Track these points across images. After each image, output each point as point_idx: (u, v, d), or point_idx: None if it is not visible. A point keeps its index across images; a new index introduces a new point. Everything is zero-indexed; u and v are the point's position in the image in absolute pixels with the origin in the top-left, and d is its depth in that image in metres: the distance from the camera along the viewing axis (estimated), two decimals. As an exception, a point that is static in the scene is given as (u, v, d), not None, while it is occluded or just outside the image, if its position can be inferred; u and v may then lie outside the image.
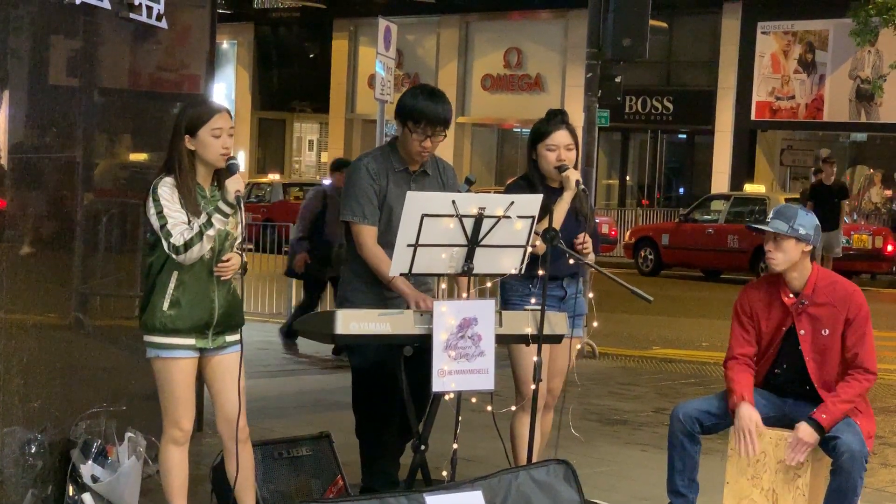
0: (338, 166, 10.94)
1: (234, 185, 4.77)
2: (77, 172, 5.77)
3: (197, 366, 4.95)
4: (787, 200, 20.01)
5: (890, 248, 21.04)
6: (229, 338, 4.98)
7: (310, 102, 36.23)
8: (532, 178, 5.74)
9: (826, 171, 19.02)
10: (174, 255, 4.75)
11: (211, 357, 4.96)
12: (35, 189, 5.42)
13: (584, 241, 5.63)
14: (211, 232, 4.72)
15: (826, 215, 16.93)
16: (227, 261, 4.87)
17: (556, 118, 5.73)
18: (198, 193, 4.83)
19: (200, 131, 4.80)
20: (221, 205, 4.74)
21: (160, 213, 4.74)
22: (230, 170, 4.81)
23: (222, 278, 4.87)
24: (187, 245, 4.71)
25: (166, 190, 4.77)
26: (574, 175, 5.61)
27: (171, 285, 4.81)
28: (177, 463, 4.96)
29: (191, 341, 4.87)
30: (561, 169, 5.62)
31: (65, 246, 5.68)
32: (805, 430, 5.20)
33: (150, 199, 4.77)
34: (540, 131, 5.71)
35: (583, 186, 5.64)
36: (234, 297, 5.00)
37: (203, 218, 4.73)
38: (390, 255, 5.13)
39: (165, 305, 4.82)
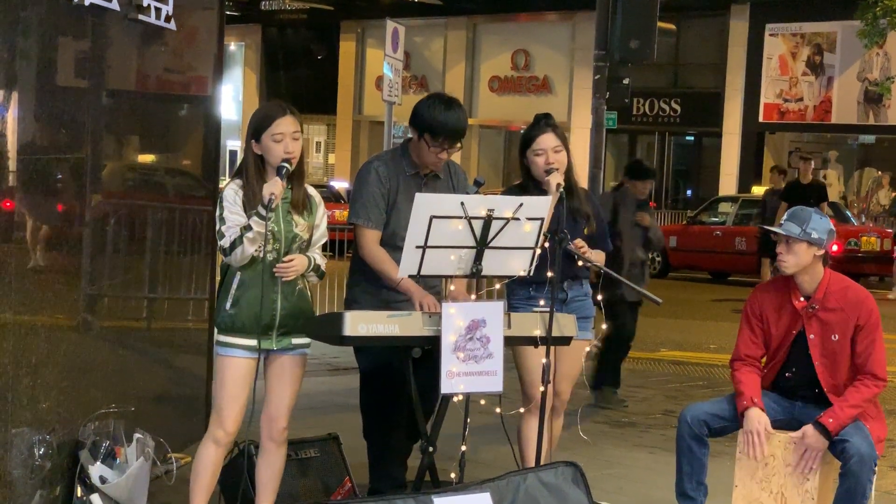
0: (637, 173, 9.33)
1: (269, 188, 4.80)
2: (85, 174, 5.77)
3: (255, 368, 4.96)
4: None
5: (899, 250, 20.98)
6: (295, 340, 5.01)
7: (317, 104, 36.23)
8: (526, 185, 5.73)
9: (802, 169, 17.02)
10: (224, 257, 4.86)
11: (276, 357, 5.01)
12: (43, 190, 5.42)
13: (582, 246, 5.60)
14: (250, 235, 4.77)
15: None
16: (290, 261, 4.88)
17: (541, 122, 5.71)
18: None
19: (263, 136, 4.89)
20: (260, 208, 4.79)
21: (220, 216, 4.87)
22: (277, 172, 4.85)
23: (283, 279, 4.89)
24: (232, 247, 4.81)
25: (230, 193, 4.89)
26: (554, 179, 5.53)
27: (234, 285, 4.91)
28: (212, 461, 5.00)
29: (251, 342, 4.89)
30: (549, 172, 5.59)
31: (73, 247, 5.68)
32: (812, 435, 5.18)
33: (218, 202, 4.89)
34: (526, 137, 5.71)
35: (562, 190, 5.50)
36: (302, 299, 5.03)
37: (244, 221, 4.80)
38: (399, 259, 5.12)
39: (228, 305, 4.92)
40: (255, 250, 4.84)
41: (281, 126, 4.87)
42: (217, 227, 4.87)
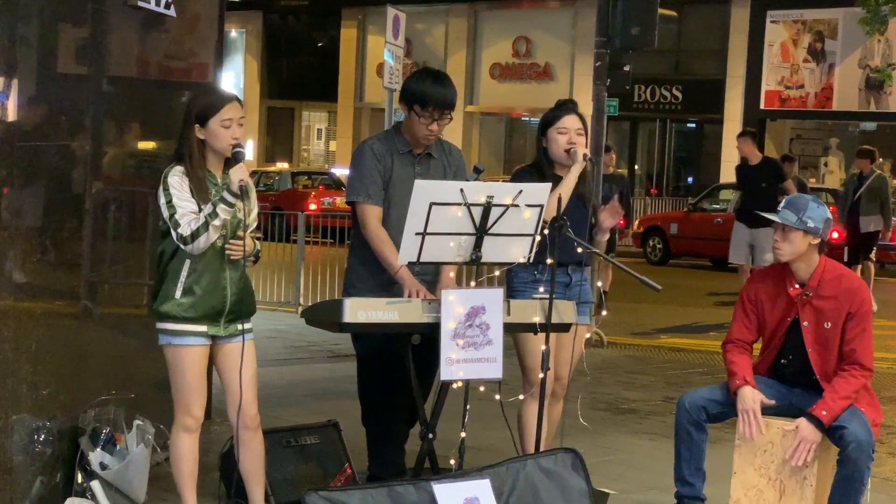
0: None
1: (238, 174, 4.78)
2: (86, 160, 5.77)
3: (208, 353, 4.97)
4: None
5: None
6: (241, 326, 4.99)
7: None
8: (541, 166, 5.77)
9: (744, 149, 13.67)
10: (182, 246, 4.78)
11: (222, 345, 4.97)
12: (44, 177, 5.42)
13: (614, 204, 5.64)
14: (217, 222, 4.74)
15: (752, 204, 12.35)
16: (240, 240, 4.87)
17: (566, 105, 5.81)
18: (208, 181, 4.85)
19: (210, 121, 4.82)
20: (226, 195, 4.75)
21: (169, 203, 4.77)
22: (235, 158, 4.82)
23: (232, 257, 4.88)
24: (194, 235, 4.74)
25: (176, 179, 4.80)
26: (582, 149, 5.64)
27: (184, 273, 4.84)
28: (187, 450, 4.98)
29: (203, 328, 4.88)
30: (569, 152, 5.65)
31: (73, 234, 5.69)
32: (807, 428, 5.18)
33: (161, 187, 4.80)
34: (549, 117, 5.77)
35: (590, 157, 5.66)
36: (247, 285, 5.02)
37: (208, 209, 4.74)
38: (393, 237, 5.13)
39: (178, 293, 4.84)
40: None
41: (230, 111, 4.83)
42: (167, 214, 4.78)
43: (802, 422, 5.20)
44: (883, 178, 15.25)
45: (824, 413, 5.17)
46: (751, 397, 5.30)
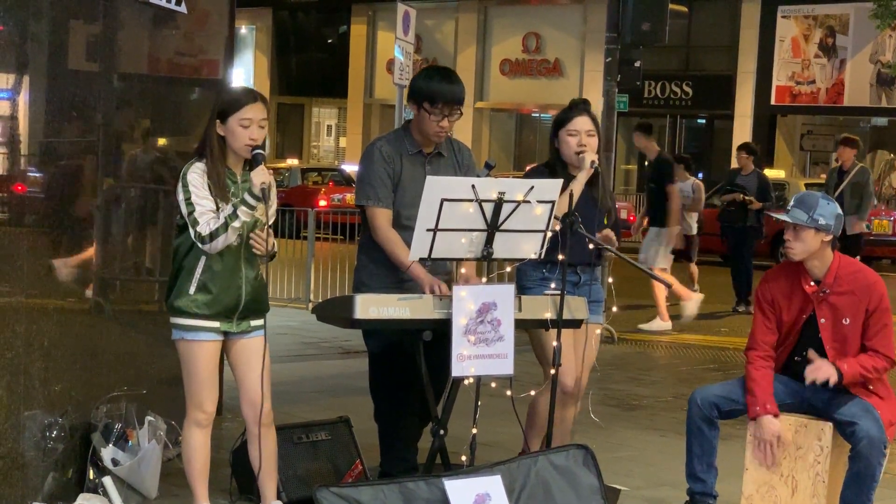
0: None
1: (260, 177, 4.77)
2: (97, 157, 5.78)
3: (221, 349, 4.97)
4: (807, 186, 19.82)
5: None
6: (254, 322, 5.00)
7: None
8: (554, 166, 5.78)
9: (639, 143, 12.93)
10: (199, 244, 4.78)
11: (235, 341, 4.98)
12: (55, 173, 5.43)
13: (607, 236, 5.63)
14: (236, 224, 4.74)
15: (652, 204, 12.68)
16: (264, 235, 4.88)
17: (578, 106, 5.83)
18: (227, 178, 4.84)
19: (230, 119, 4.82)
20: (247, 197, 4.75)
21: (188, 201, 4.77)
22: (255, 160, 4.81)
23: (254, 251, 4.88)
24: (213, 235, 4.74)
25: (196, 176, 4.80)
26: (590, 156, 5.64)
27: (199, 269, 4.84)
28: (199, 445, 4.98)
29: (216, 324, 4.89)
30: (579, 154, 5.66)
31: (84, 230, 5.70)
32: (828, 366, 5.21)
33: (180, 184, 4.80)
34: (561, 118, 5.79)
35: (597, 166, 5.65)
36: (261, 282, 5.02)
37: (229, 210, 4.74)
38: (404, 238, 5.13)
39: (192, 289, 4.85)
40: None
41: (250, 112, 4.83)
42: (185, 212, 4.78)
43: (825, 361, 5.23)
44: (866, 171, 14.44)
45: (846, 367, 5.20)
46: (770, 430, 5.28)
